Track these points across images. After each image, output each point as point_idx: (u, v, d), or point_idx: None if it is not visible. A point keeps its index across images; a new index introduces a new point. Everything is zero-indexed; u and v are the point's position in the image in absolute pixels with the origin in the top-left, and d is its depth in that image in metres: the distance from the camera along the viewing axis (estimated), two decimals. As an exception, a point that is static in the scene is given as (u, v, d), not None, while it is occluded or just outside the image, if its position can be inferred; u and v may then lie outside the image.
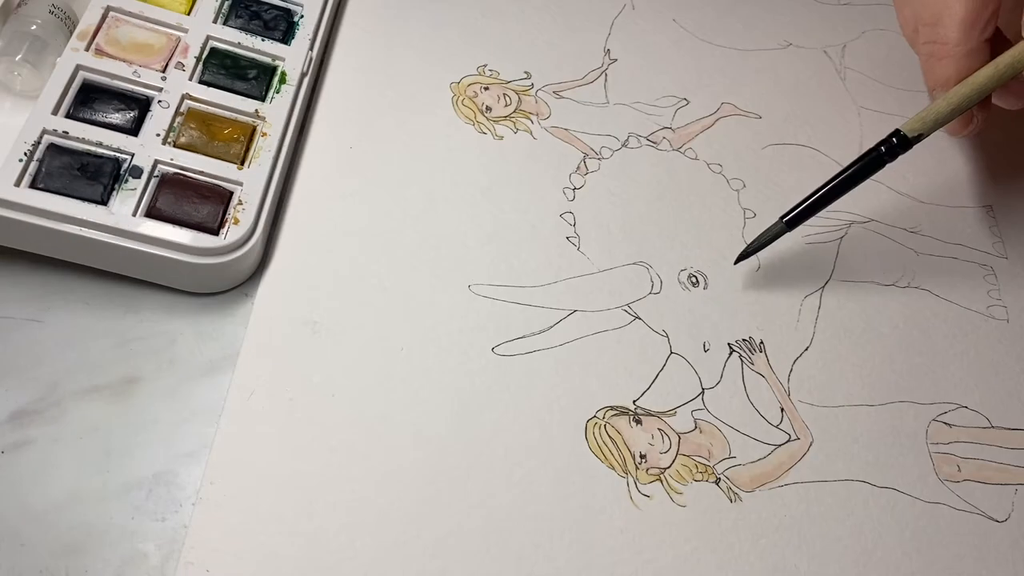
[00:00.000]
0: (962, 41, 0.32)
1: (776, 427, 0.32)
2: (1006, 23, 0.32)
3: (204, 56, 0.33)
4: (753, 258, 0.35)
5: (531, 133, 0.38)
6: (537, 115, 0.38)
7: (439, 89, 0.38)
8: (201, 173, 0.31)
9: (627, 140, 0.38)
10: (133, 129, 0.31)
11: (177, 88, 0.32)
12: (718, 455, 0.31)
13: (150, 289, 0.31)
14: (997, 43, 0.32)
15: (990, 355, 0.36)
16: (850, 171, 0.32)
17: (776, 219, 0.33)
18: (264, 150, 0.32)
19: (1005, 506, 0.32)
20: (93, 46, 0.32)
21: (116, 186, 0.29)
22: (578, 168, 0.37)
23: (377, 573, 0.27)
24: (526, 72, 0.39)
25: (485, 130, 0.37)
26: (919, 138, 0.32)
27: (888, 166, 0.32)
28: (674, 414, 0.32)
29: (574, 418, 0.31)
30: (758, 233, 0.34)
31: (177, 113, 0.32)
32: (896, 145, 0.32)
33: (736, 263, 0.34)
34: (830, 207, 0.33)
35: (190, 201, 0.30)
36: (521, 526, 0.28)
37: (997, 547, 0.31)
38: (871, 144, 0.33)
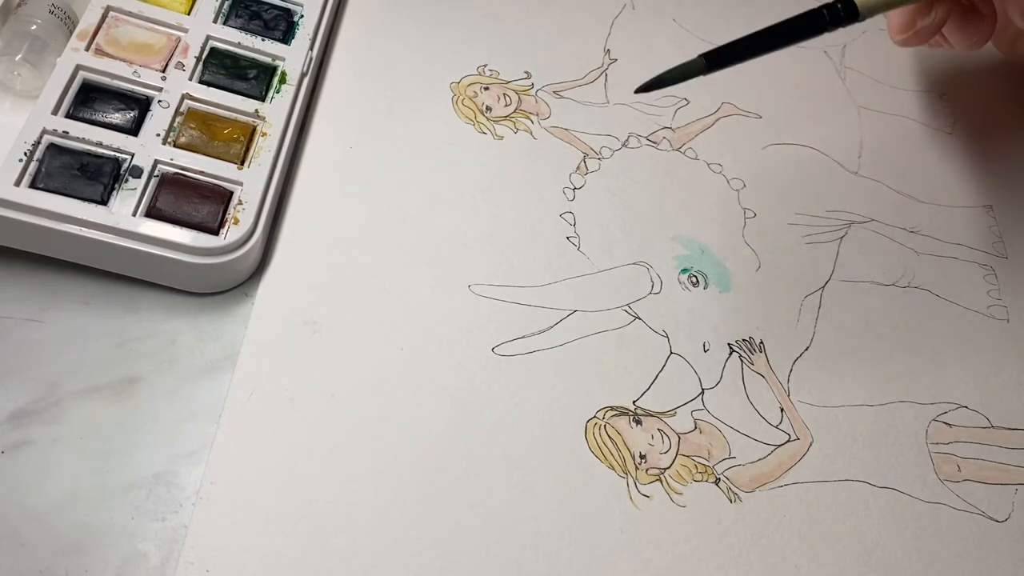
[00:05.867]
0: None
1: (776, 427, 0.32)
2: None
3: (204, 56, 0.33)
4: (753, 258, 0.35)
5: (531, 133, 0.37)
6: (537, 115, 0.38)
7: (439, 89, 0.38)
8: (201, 173, 0.31)
9: (627, 140, 0.38)
10: (133, 129, 0.31)
11: (177, 88, 0.32)
12: (718, 455, 0.31)
13: (150, 289, 0.31)
14: None
15: (990, 355, 0.36)
16: (786, 23, 0.30)
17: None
18: (264, 150, 0.32)
19: (1005, 506, 0.32)
20: (93, 46, 0.32)
21: (116, 186, 0.29)
22: (578, 168, 0.37)
23: (377, 573, 0.27)
24: (526, 72, 0.39)
25: (485, 130, 0.37)
26: (870, 11, 0.29)
27: (889, 165, 0.32)
28: (674, 414, 0.32)
29: (574, 418, 0.31)
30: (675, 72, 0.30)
31: (177, 113, 0.32)
32: (840, 12, 0.29)
33: (636, 92, 0.30)
34: (828, 209, 0.32)
35: (190, 201, 0.30)
36: (521, 526, 0.28)
37: (997, 547, 0.31)
38: (872, 144, 0.32)
